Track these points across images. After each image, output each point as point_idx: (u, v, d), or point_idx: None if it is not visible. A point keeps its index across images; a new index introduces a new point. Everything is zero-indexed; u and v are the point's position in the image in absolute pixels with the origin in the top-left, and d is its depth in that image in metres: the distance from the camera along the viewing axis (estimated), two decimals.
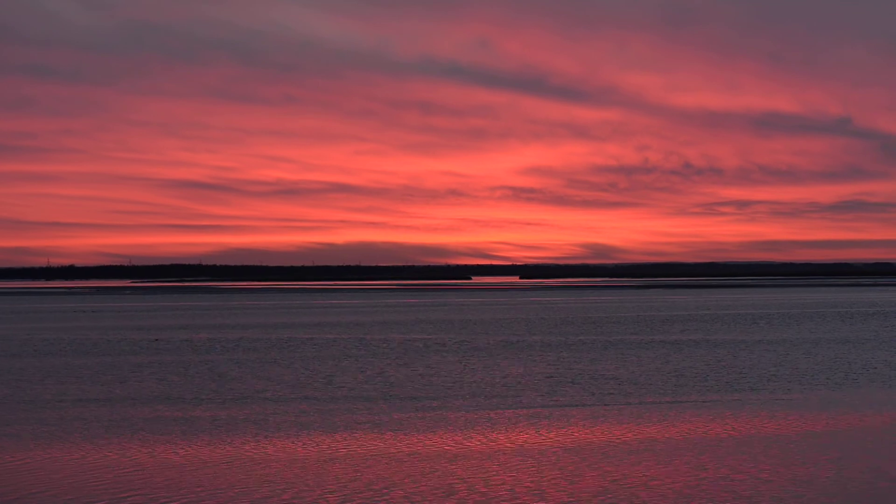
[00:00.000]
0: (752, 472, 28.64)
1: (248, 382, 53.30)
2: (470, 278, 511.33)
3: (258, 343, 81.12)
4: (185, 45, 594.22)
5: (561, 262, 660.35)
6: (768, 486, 26.84)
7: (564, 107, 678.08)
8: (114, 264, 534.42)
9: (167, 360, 67.05)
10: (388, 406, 43.82)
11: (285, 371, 58.85)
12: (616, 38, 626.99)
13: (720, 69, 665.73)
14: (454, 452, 32.46)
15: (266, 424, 38.87)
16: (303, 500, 25.75)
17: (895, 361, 61.41)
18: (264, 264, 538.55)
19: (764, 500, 25.31)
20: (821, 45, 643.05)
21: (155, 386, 52.24)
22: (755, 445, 33.19)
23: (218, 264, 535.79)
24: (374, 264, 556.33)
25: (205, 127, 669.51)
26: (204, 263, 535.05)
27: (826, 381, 51.84)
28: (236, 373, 58.07)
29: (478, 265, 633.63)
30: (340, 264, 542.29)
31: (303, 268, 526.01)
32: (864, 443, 33.77)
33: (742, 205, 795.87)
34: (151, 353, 72.92)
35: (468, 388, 50.14)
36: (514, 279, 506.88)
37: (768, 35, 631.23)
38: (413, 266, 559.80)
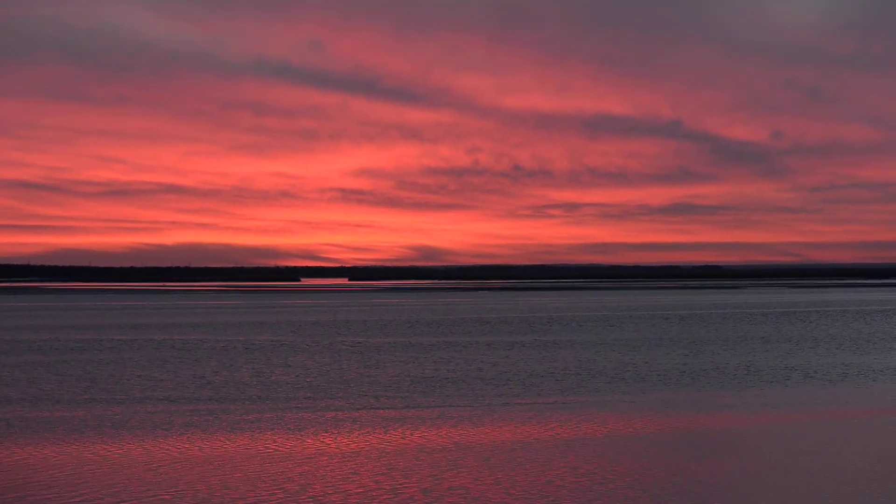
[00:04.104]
0: (621, 471, 31.20)
1: (112, 384, 54.47)
2: (299, 280, 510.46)
3: (111, 343, 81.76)
4: (17, 43, 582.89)
5: (390, 265, 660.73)
6: (627, 482, 29.40)
7: (396, 108, 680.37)
8: None
9: (31, 360, 67.69)
10: (260, 406, 45.64)
11: (154, 372, 60.08)
12: (448, 41, 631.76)
13: (552, 71, 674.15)
14: (309, 453, 34.42)
15: (124, 424, 40.42)
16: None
17: (736, 363, 64.58)
18: (94, 265, 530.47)
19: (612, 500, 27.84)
20: (652, 47, 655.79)
21: (26, 387, 53.18)
22: (611, 444, 35.84)
23: (47, 265, 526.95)
24: (203, 265, 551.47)
25: (36, 127, 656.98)
26: (32, 264, 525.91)
27: (665, 381, 54.88)
28: (103, 373, 59.13)
29: (307, 267, 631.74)
30: (170, 265, 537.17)
31: (132, 269, 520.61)
32: (696, 444, 36.63)
33: (571, 207, 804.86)
34: (13, 353, 73.34)
35: (331, 389, 52.09)
36: (344, 281, 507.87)
37: (600, 37, 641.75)
38: (243, 268, 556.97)
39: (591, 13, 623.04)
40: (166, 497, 26.95)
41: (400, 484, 28.74)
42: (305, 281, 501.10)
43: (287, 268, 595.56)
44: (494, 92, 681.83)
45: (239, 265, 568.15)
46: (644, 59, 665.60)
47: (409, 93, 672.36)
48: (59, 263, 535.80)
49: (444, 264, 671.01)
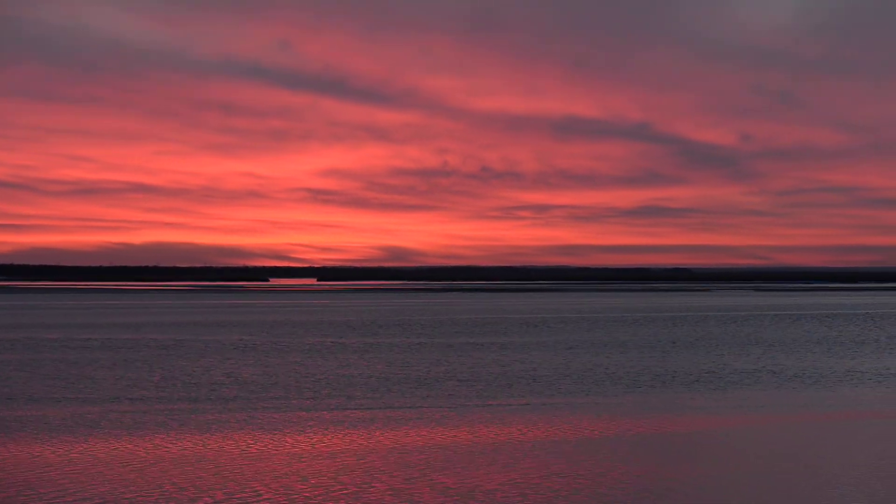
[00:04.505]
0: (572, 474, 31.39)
1: (84, 383, 54.39)
2: (267, 280, 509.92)
3: (82, 343, 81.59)
4: None
5: (359, 265, 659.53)
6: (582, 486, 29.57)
7: (365, 109, 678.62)
8: None
9: (2, 359, 67.65)
10: (233, 406, 45.67)
11: (125, 371, 60.01)
12: (418, 42, 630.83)
13: (522, 73, 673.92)
14: (284, 453, 34.46)
15: (98, 424, 40.37)
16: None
17: (707, 366, 64.89)
18: (62, 264, 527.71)
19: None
20: (622, 50, 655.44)
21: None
22: (567, 447, 36.04)
23: (15, 263, 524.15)
24: (172, 265, 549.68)
25: (5, 125, 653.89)
26: (1, 263, 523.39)
27: (637, 383, 55.12)
28: (75, 373, 59.02)
29: (276, 267, 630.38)
30: (139, 265, 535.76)
31: (101, 268, 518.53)
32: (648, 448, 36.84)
33: (541, 209, 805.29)
34: None
35: (303, 388, 52.14)
36: (312, 281, 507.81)
37: (569, 40, 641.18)
38: (211, 267, 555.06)
39: (560, 16, 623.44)
40: (144, 497, 26.94)
41: (374, 484, 28.75)
42: (274, 281, 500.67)
43: (255, 268, 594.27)
44: (464, 93, 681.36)
45: (207, 265, 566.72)
46: (613, 62, 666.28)
47: (379, 94, 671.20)
48: (28, 262, 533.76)
49: (413, 265, 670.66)
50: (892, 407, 46.31)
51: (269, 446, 34.97)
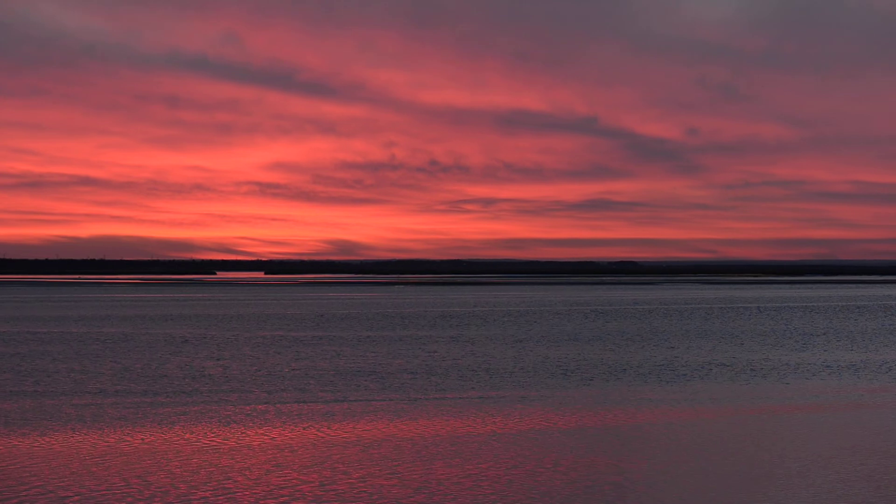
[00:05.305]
0: (530, 467, 31.77)
1: (39, 377, 54.28)
2: (215, 273, 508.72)
3: (32, 336, 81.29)
4: None
5: (306, 258, 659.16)
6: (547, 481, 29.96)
7: (312, 103, 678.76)
8: None
9: None
10: (189, 399, 45.80)
11: (80, 364, 59.88)
12: (363, 36, 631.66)
13: (467, 67, 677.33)
14: (241, 446, 34.73)
15: (55, 418, 40.37)
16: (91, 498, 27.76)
17: (658, 358, 65.40)
18: (8, 257, 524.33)
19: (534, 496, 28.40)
20: (567, 44, 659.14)
21: None
22: (519, 441, 36.44)
23: None
24: (118, 258, 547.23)
25: None
26: None
27: (589, 376, 55.58)
28: (28, 366, 58.88)
29: (223, 260, 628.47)
30: (85, 258, 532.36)
31: (47, 261, 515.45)
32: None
33: (487, 202, 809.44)
34: None
35: (258, 382, 52.31)
36: (259, 274, 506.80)
37: (515, 33, 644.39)
38: (158, 260, 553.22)
39: (505, 9, 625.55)
40: (102, 490, 27.10)
41: (331, 477, 29.01)
42: (221, 274, 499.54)
43: (203, 261, 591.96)
44: (409, 87, 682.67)
45: (154, 258, 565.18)
46: (559, 56, 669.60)
47: (325, 87, 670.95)
48: None
49: (360, 258, 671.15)
50: (842, 399, 46.94)
51: (228, 439, 35.15)
